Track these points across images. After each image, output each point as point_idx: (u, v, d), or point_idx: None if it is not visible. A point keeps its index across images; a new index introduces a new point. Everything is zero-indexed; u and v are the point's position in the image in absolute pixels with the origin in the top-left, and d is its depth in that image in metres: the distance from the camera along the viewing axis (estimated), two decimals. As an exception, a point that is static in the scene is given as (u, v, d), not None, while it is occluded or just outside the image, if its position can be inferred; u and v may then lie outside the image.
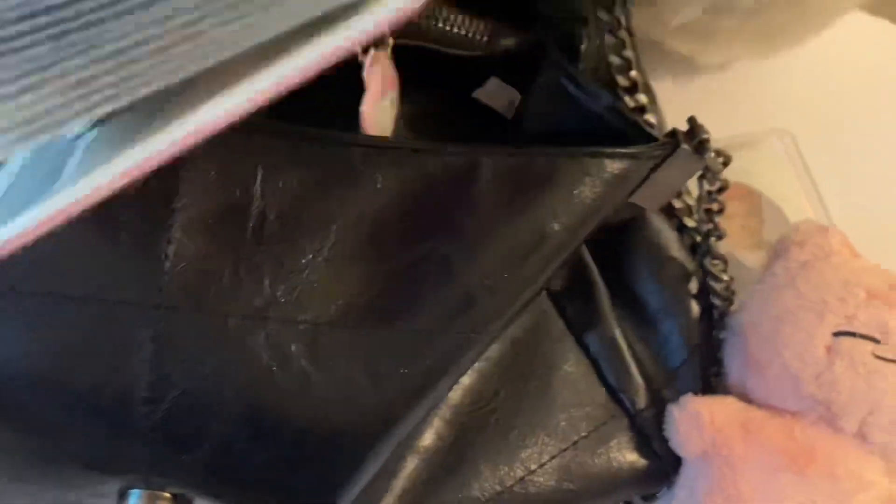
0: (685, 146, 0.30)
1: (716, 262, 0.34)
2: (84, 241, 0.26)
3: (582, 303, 0.35)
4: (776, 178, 0.44)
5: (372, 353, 0.27)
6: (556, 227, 0.28)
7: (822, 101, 0.47)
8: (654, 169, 0.29)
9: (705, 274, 0.35)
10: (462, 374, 0.31)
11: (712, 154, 0.30)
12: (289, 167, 0.27)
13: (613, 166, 0.28)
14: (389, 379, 0.27)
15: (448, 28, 0.31)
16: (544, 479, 0.33)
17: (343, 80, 0.34)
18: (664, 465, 0.34)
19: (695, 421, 0.32)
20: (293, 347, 0.27)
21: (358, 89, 0.33)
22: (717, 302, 0.35)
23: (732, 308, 0.35)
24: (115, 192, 0.25)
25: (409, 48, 0.31)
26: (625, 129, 0.29)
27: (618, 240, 0.35)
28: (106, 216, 0.26)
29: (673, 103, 0.38)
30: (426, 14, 0.31)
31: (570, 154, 0.28)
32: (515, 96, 0.35)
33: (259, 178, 0.27)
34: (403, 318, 0.27)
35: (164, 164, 0.27)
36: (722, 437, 0.32)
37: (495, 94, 0.35)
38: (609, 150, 0.28)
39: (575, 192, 0.28)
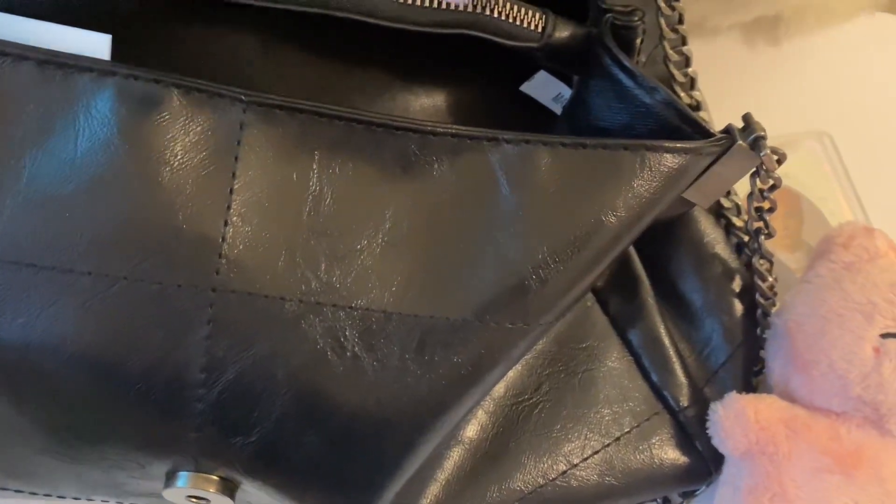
0: (741, 142, 0.29)
1: (763, 261, 0.34)
2: (140, 223, 0.26)
3: (626, 298, 0.35)
4: (814, 180, 0.44)
5: (425, 341, 0.27)
6: (612, 219, 0.28)
7: (861, 102, 0.46)
8: (710, 165, 0.29)
9: (752, 273, 0.35)
10: (512, 366, 0.31)
11: (768, 151, 0.30)
12: (345, 152, 0.27)
13: (672, 160, 0.28)
14: (441, 367, 0.27)
15: (502, 18, 0.31)
16: (586, 474, 0.32)
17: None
18: (706, 462, 0.34)
19: (739, 419, 0.32)
20: (347, 333, 0.27)
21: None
22: (761, 301, 0.35)
23: (774, 308, 0.35)
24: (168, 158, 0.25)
25: (459, 37, 0.31)
26: (679, 124, 0.29)
27: (662, 236, 0.35)
28: (162, 197, 0.26)
29: (711, 105, 0.38)
30: (480, 3, 0.31)
31: (628, 146, 0.28)
32: (563, 90, 0.35)
33: (316, 161, 0.27)
34: (457, 305, 0.27)
35: (222, 145, 0.27)
36: (766, 436, 0.32)
37: (543, 87, 0.35)
38: (669, 144, 0.28)
39: (632, 184, 0.28)
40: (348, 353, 0.27)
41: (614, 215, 0.28)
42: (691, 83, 0.35)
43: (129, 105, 0.26)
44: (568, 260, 0.27)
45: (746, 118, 0.30)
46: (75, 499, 0.32)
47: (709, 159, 0.29)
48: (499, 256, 0.27)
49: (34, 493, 0.31)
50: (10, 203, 0.25)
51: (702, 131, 0.29)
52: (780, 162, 0.31)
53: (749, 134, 0.30)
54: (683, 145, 0.28)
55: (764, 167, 0.31)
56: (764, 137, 0.30)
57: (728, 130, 0.30)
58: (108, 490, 0.30)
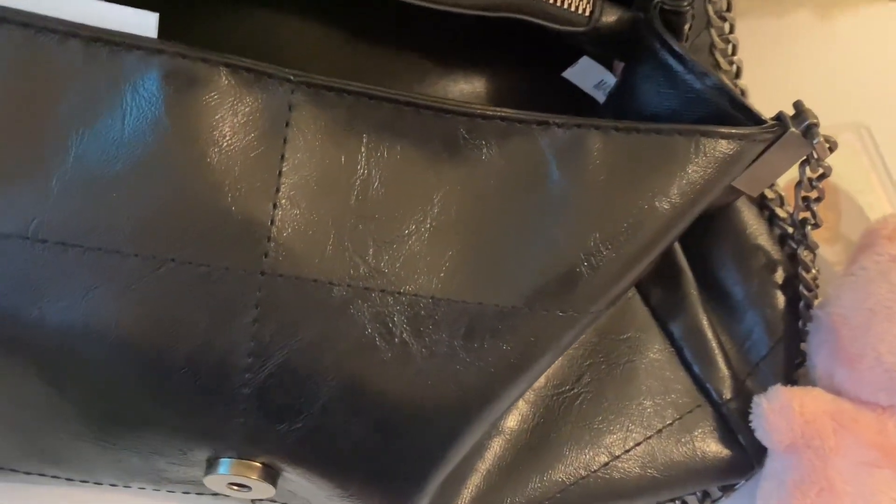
0: (794, 130, 0.29)
1: (807, 252, 0.34)
2: (188, 204, 0.25)
3: (667, 289, 0.34)
4: (852, 172, 0.43)
5: (473, 328, 0.26)
6: (666, 206, 0.27)
7: (898, 95, 0.46)
8: (762, 152, 0.29)
9: (795, 264, 0.34)
10: (560, 355, 0.30)
11: (821, 139, 0.29)
12: (393, 135, 0.27)
13: (727, 146, 0.27)
14: (489, 355, 0.27)
15: (550, 1, 0.31)
16: (628, 466, 0.32)
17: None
18: (748, 456, 0.33)
19: (784, 412, 0.31)
20: (395, 319, 0.26)
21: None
22: (804, 293, 0.34)
23: (817, 301, 0.35)
24: (216, 138, 0.25)
25: (501, 22, 0.31)
26: (731, 111, 0.28)
27: (704, 227, 0.34)
28: (210, 178, 0.25)
29: (750, 94, 0.38)
30: (526, -14, 0.30)
31: (682, 131, 0.27)
32: (607, 77, 0.34)
33: (364, 144, 0.27)
34: (506, 292, 0.27)
35: (270, 126, 0.26)
36: (812, 429, 0.31)
37: (586, 73, 0.34)
38: (724, 130, 0.27)
39: (686, 171, 0.27)
40: (396, 340, 0.26)
41: (668, 202, 0.27)
42: (737, 72, 0.34)
43: (176, 84, 0.25)
44: (620, 247, 0.27)
45: (798, 105, 0.30)
46: (112, 485, 0.31)
47: (761, 146, 0.28)
48: (549, 243, 0.27)
49: (70, 480, 0.31)
50: (57, 183, 0.25)
51: (754, 118, 0.29)
52: (831, 150, 0.30)
53: (801, 122, 0.29)
54: (738, 131, 0.27)
55: (815, 156, 0.30)
56: (816, 125, 0.29)
57: (780, 118, 0.29)
58: (147, 476, 0.30)
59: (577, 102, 0.35)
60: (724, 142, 0.27)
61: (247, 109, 0.26)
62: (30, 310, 0.25)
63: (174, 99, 0.25)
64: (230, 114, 0.26)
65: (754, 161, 0.29)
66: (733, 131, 0.27)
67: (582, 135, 0.27)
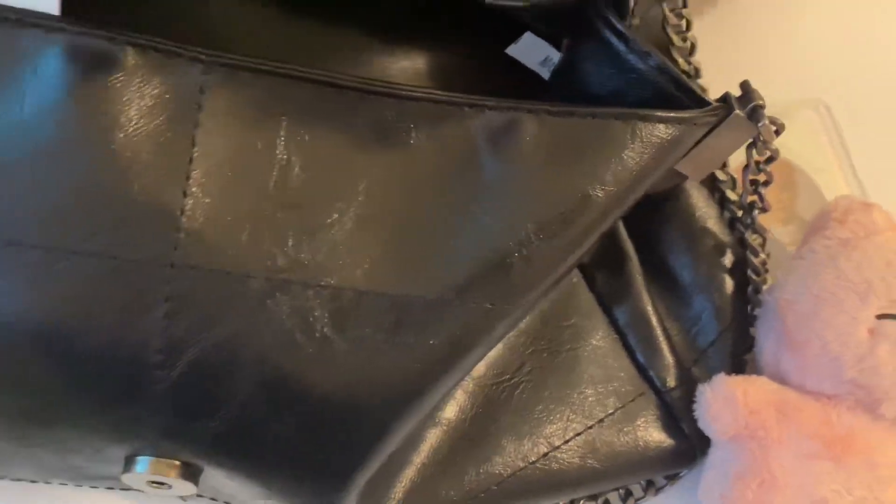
0: (739, 112, 0.28)
1: (756, 236, 0.33)
2: (92, 192, 0.24)
3: (613, 274, 0.33)
4: (810, 151, 0.42)
5: (399, 321, 0.25)
6: (601, 193, 0.26)
7: (858, 70, 0.45)
8: (704, 135, 0.28)
9: (744, 248, 0.33)
10: (492, 348, 0.29)
11: (766, 121, 0.28)
12: (315, 118, 0.25)
13: (665, 131, 0.26)
14: (416, 349, 0.26)
15: (488, -26, 0.29)
16: (568, 456, 0.31)
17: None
18: (692, 445, 0.32)
19: (728, 401, 0.31)
20: (316, 312, 0.25)
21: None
22: (753, 277, 0.33)
23: (766, 285, 0.34)
24: (122, 123, 0.23)
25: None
26: (674, 92, 0.27)
27: (652, 210, 0.33)
28: (116, 165, 0.24)
29: (704, 72, 0.37)
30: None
31: (619, 115, 0.26)
32: (552, 54, 0.33)
33: (283, 128, 0.25)
34: (435, 284, 0.25)
35: (180, 109, 0.25)
36: (756, 420, 0.30)
37: (530, 50, 0.33)
38: (662, 114, 0.26)
39: (623, 156, 0.26)
40: (317, 335, 0.25)
41: (603, 189, 0.26)
42: (691, 49, 0.33)
43: (79, 65, 0.24)
44: (553, 236, 0.26)
45: (744, 86, 0.29)
46: (32, 481, 0.30)
47: (704, 129, 0.27)
48: (480, 232, 0.26)
49: (-12, 476, 0.30)
50: None
51: (697, 100, 0.27)
52: (778, 133, 0.29)
53: (747, 103, 0.28)
54: (677, 115, 0.26)
55: (761, 138, 0.29)
56: (762, 107, 0.28)
57: (724, 99, 0.28)
58: (65, 474, 0.29)
59: (522, 81, 0.33)
60: (661, 126, 0.26)
61: (155, 92, 0.24)
62: None
63: (77, 81, 0.24)
64: (137, 96, 0.24)
65: (697, 144, 0.28)
66: (672, 115, 0.26)
67: (515, 119, 0.26)
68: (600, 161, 0.26)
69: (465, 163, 0.26)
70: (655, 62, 0.28)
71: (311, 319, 0.25)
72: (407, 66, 0.34)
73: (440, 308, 0.26)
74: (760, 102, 0.28)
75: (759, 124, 0.28)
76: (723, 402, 0.31)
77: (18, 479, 0.30)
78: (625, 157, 0.26)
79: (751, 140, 0.29)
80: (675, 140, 0.26)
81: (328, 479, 0.27)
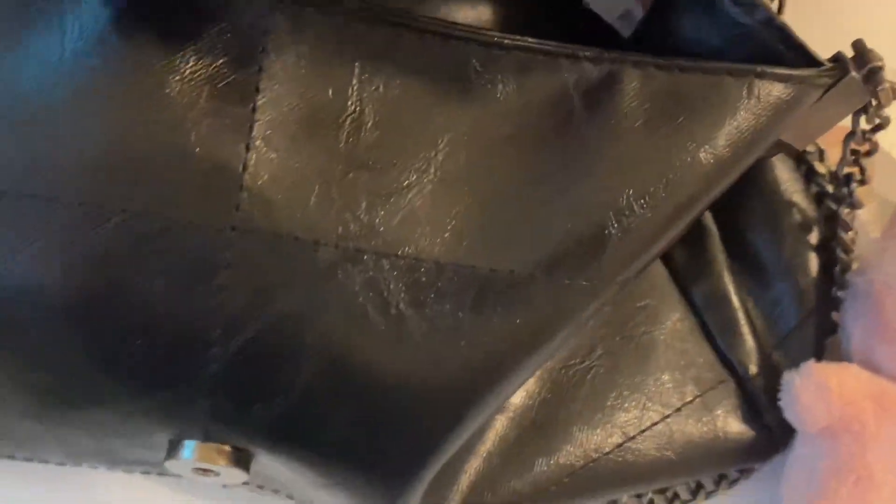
0: (854, 74, 0.25)
1: (849, 211, 0.30)
2: (142, 143, 0.21)
3: (692, 252, 0.30)
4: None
5: (483, 298, 0.23)
6: (710, 158, 0.23)
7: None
8: (818, 98, 0.25)
9: (833, 224, 0.31)
10: (580, 329, 0.26)
11: (887, 85, 0.25)
12: (391, 65, 0.22)
13: (782, 91, 0.23)
14: (501, 329, 0.23)
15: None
16: (644, 448, 0.29)
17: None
18: (773, 437, 0.30)
19: (820, 391, 0.28)
20: (391, 286, 0.22)
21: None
22: (842, 256, 0.31)
23: (854, 266, 0.32)
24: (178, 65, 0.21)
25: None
26: (783, 51, 0.24)
27: (733, 183, 0.31)
28: (170, 113, 0.21)
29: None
30: None
31: (734, 71, 0.23)
32: (633, 7, 0.30)
33: (355, 76, 0.22)
34: (523, 257, 0.23)
35: (243, 51, 0.22)
36: (851, 411, 0.28)
37: (610, 0, 0.30)
38: (781, 71, 0.23)
39: (736, 117, 0.23)
40: (392, 311, 0.22)
41: (713, 153, 0.23)
42: (779, 6, 0.30)
43: None
44: (656, 206, 0.23)
45: (858, 46, 0.26)
46: (60, 464, 0.27)
47: (819, 92, 0.25)
48: (574, 200, 0.23)
49: (11, 457, 0.27)
50: None
51: (810, 60, 0.24)
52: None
53: (862, 65, 0.25)
54: (798, 73, 0.23)
55: (875, 104, 0.26)
56: (881, 69, 0.25)
57: (838, 59, 0.25)
58: (100, 457, 0.26)
59: (599, 38, 0.30)
60: (780, 85, 0.23)
61: (215, 31, 0.21)
62: None
63: (126, 14, 0.21)
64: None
65: (811, 107, 0.25)
66: (792, 73, 0.23)
67: (616, 72, 0.23)
68: (711, 122, 0.23)
69: (557, 121, 0.23)
70: (763, 16, 0.25)
71: (385, 294, 0.22)
72: (470, 16, 0.31)
73: (527, 285, 0.23)
74: (879, 64, 0.25)
75: (879, 88, 0.25)
76: (815, 391, 0.28)
77: (45, 462, 0.27)
78: (739, 119, 0.23)
79: (862, 106, 0.27)
80: (793, 101, 0.24)
81: (395, 471, 0.24)
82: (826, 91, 0.25)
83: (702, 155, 0.23)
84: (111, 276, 0.21)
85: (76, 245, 0.21)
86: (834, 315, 0.31)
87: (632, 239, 0.23)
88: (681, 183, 0.23)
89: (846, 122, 0.28)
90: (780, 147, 0.27)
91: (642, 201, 0.23)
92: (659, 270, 0.30)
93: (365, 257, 0.22)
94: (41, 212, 0.21)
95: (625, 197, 0.23)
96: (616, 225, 0.23)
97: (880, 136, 0.40)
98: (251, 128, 0.21)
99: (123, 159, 0.21)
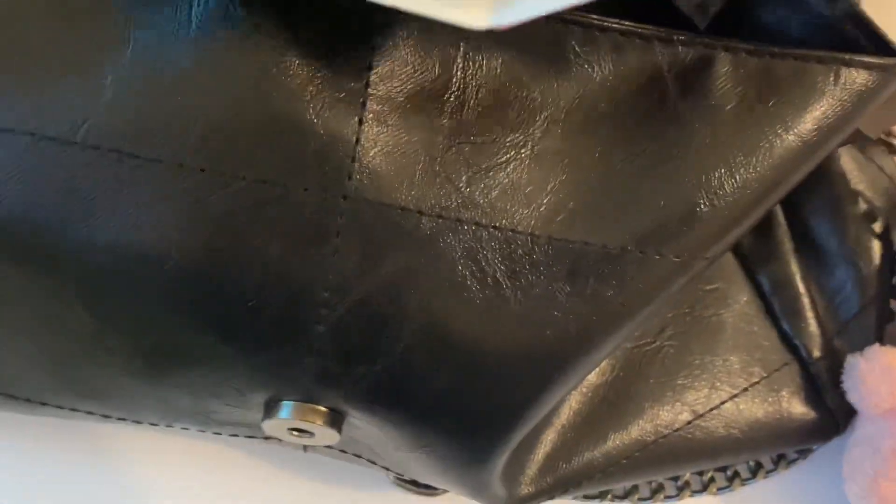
0: (935, 63, 0.26)
1: (915, 201, 0.31)
2: (265, 112, 0.22)
3: (760, 237, 0.31)
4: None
5: (576, 270, 0.24)
6: (798, 142, 0.24)
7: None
8: None
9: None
10: (668, 304, 0.27)
11: (965, 72, 0.26)
12: (494, 45, 0.23)
13: (866, 78, 0.24)
14: (593, 301, 0.24)
15: None
16: (712, 425, 0.30)
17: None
18: (835, 419, 0.31)
19: (886, 373, 0.29)
20: (489, 256, 0.23)
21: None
22: (906, 246, 0.31)
23: (918, 255, 0.32)
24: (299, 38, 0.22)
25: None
26: (863, 42, 0.25)
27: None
28: (289, 84, 0.22)
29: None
30: None
31: (821, 58, 0.24)
32: (710, -2, 0.31)
33: (461, 55, 0.23)
34: (615, 231, 0.24)
35: (357, 30, 0.23)
36: (915, 395, 0.29)
37: (685, -8, 0.31)
38: (867, 59, 0.24)
39: (822, 103, 0.24)
40: (489, 280, 0.23)
41: (799, 137, 0.24)
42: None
43: None
44: (745, 186, 0.24)
45: (936, 38, 0.27)
46: (153, 424, 0.28)
47: (899, 80, 0.25)
48: (666, 177, 0.24)
49: (107, 417, 0.28)
50: (113, 81, 0.21)
51: (890, 49, 0.25)
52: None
53: (943, 55, 0.26)
54: (883, 61, 0.24)
55: (951, 95, 0.27)
56: (959, 59, 0.26)
57: (919, 49, 0.26)
58: (194, 418, 0.27)
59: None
60: (864, 73, 0.24)
61: (331, 7, 0.22)
62: (77, 226, 0.22)
63: None
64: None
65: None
66: (876, 61, 0.24)
67: (709, 55, 0.24)
68: (800, 107, 0.24)
69: (651, 100, 0.24)
70: (845, 6, 0.25)
71: (483, 263, 0.23)
72: None
73: (620, 259, 0.24)
74: (956, 54, 0.26)
75: (956, 76, 0.26)
76: (880, 373, 0.29)
77: (138, 422, 0.28)
78: (825, 104, 0.24)
79: (936, 97, 0.27)
80: (877, 89, 0.24)
81: (486, 434, 0.25)
82: (905, 80, 0.26)
83: (790, 138, 0.24)
84: (230, 238, 0.22)
85: (198, 208, 0.22)
86: (893, 303, 0.32)
87: (721, 216, 0.24)
88: (769, 165, 0.24)
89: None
90: (856, 135, 0.28)
91: (733, 181, 0.24)
92: (728, 255, 0.31)
93: (465, 227, 0.23)
94: (166, 176, 0.22)
95: (716, 176, 0.24)
96: (707, 203, 0.24)
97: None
98: (364, 103, 0.22)
99: (244, 128, 0.22)
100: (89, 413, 0.28)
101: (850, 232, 0.32)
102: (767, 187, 0.24)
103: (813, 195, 0.32)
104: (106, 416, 0.28)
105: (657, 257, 0.24)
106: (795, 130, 0.24)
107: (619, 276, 0.24)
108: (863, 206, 0.32)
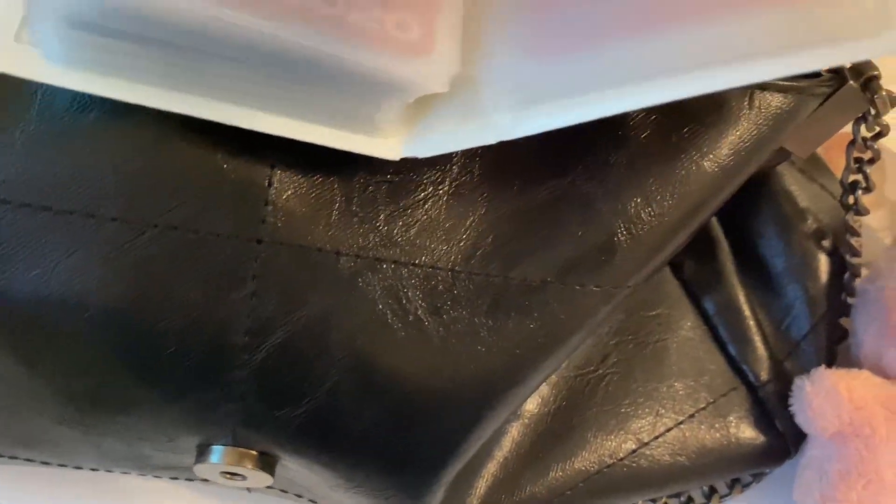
0: (853, 83, 0.26)
1: (857, 218, 0.31)
2: (176, 160, 0.22)
3: (702, 261, 0.31)
4: None
5: (498, 304, 0.24)
6: (714, 167, 0.24)
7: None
8: (817, 107, 0.26)
9: (842, 231, 0.31)
10: (593, 334, 0.27)
11: (884, 94, 0.26)
12: None
13: (783, 100, 0.24)
14: (516, 334, 0.24)
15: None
16: (658, 454, 0.29)
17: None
18: (785, 442, 0.31)
19: (830, 396, 0.29)
20: (409, 293, 0.23)
21: None
22: (851, 262, 0.31)
23: (864, 272, 0.32)
24: None
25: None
26: None
27: (742, 192, 0.31)
28: (200, 136, 0.22)
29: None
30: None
31: (735, 84, 0.24)
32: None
33: None
34: (537, 264, 0.24)
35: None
36: (861, 416, 0.28)
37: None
38: (780, 82, 0.24)
39: (738, 128, 0.24)
40: (411, 317, 0.23)
41: (717, 162, 0.24)
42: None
43: None
44: (662, 214, 0.24)
45: (858, 57, 0.27)
46: (93, 469, 0.28)
47: (818, 101, 0.25)
48: (585, 208, 0.24)
49: (46, 463, 0.28)
50: (21, 135, 0.22)
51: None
52: (893, 105, 0.27)
53: (859, 74, 0.26)
54: (796, 84, 0.24)
55: (874, 111, 0.27)
56: (878, 77, 0.26)
57: (837, 70, 0.26)
58: (131, 462, 0.27)
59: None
60: (779, 95, 0.24)
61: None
62: None
63: None
64: None
65: (810, 116, 0.26)
66: (790, 84, 0.24)
67: None
68: (715, 133, 0.24)
69: (567, 132, 0.24)
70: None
71: (404, 301, 0.23)
72: None
73: (541, 291, 0.24)
74: (875, 73, 0.26)
75: (875, 96, 0.26)
76: (825, 396, 0.29)
77: (79, 468, 0.28)
78: (741, 129, 0.24)
79: (861, 114, 0.28)
80: (793, 111, 0.25)
81: (417, 471, 0.25)
82: (824, 101, 0.26)
83: (706, 164, 0.24)
84: (147, 285, 0.22)
85: (114, 257, 0.22)
86: (844, 321, 0.32)
87: (640, 245, 0.24)
88: (686, 191, 0.24)
89: (848, 130, 0.29)
90: (784, 155, 0.28)
91: (650, 209, 0.24)
92: (670, 281, 0.31)
93: (384, 266, 0.23)
94: (81, 226, 0.22)
95: (633, 205, 0.24)
96: (625, 232, 0.24)
97: (891, 143, 0.41)
98: (276, 146, 0.22)
99: (155, 177, 0.22)
100: (28, 460, 0.28)
101: (798, 250, 0.32)
102: (686, 214, 0.24)
103: (760, 216, 0.32)
104: (45, 463, 0.28)
105: (578, 288, 0.24)
106: (712, 156, 0.24)
107: (541, 308, 0.24)
108: (811, 224, 0.32)
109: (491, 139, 0.21)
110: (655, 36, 0.20)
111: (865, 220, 0.36)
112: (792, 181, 0.32)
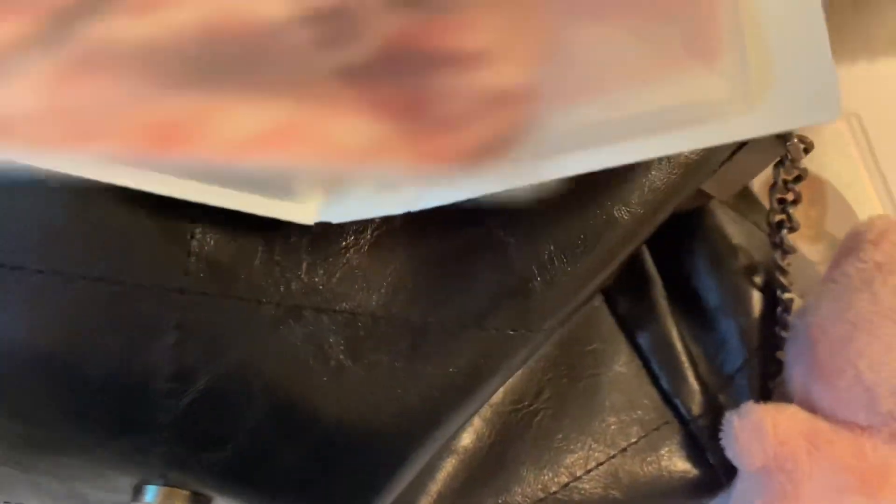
0: (767, 131, 0.27)
1: (785, 256, 0.32)
2: (95, 214, 0.23)
3: (635, 298, 0.32)
4: (840, 164, 0.41)
5: (416, 348, 0.24)
6: (626, 215, 0.25)
7: (891, 80, 0.43)
8: (731, 155, 0.27)
9: (772, 269, 0.32)
10: (512, 375, 0.28)
11: (795, 140, 0.27)
12: None
13: (690, 152, 0.25)
14: (435, 376, 0.25)
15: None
16: (590, 487, 0.30)
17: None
18: (717, 475, 0.31)
19: (756, 431, 0.29)
20: (331, 339, 0.24)
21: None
22: (782, 297, 0.32)
23: (795, 306, 0.33)
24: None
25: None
26: None
27: (675, 229, 0.32)
28: (121, 189, 0.23)
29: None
30: None
31: (645, 135, 0.25)
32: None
33: None
34: (453, 309, 0.24)
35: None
36: (785, 451, 0.29)
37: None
38: (689, 133, 0.25)
39: (649, 176, 0.25)
40: (332, 362, 0.24)
41: (628, 211, 0.25)
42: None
43: None
44: (576, 260, 0.25)
45: (773, 104, 0.28)
46: (37, 506, 0.29)
47: (731, 148, 0.26)
48: (500, 255, 0.25)
49: (-7, 501, 0.29)
50: None
51: None
52: (807, 151, 0.28)
53: (775, 122, 0.27)
54: None
55: (790, 157, 0.28)
56: (792, 126, 0.27)
57: (754, 118, 0.27)
58: (70, 501, 0.28)
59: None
60: None
61: None
62: None
63: None
64: None
65: (724, 163, 0.27)
66: None
67: None
68: (625, 182, 0.25)
69: None
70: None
71: (325, 346, 0.24)
72: None
73: (459, 334, 0.25)
74: (790, 121, 0.27)
75: (788, 143, 0.27)
76: (751, 431, 0.29)
77: (22, 505, 0.29)
78: (651, 178, 0.25)
79: (779, 158, 0.28)
80: (702, 161, 0.25)
81: (342, 511, 0.26)
82: (742, 145, 0.27)
83: (617, 213, 0.25)
84: (72, 334, 0.23)
85: (41, 308, 0.23)
86: (779, 355, 0.33)
87: (555, 290, 0.25)
88: (598, 239, 0.25)
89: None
90: (705, 197, 0.29)
91: (563, 256, 0.25)
92: (604, 317, 0.32)
93: (305, 314, 0.24)
94: (6, 278, 0.23)
95: (547, 252, 0.25)
96: (539, 278, 0.25)
97: (832, 176, 0.41)
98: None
99: (78, 230, 0.23)
100: (-27, 498, 0.29)
101: (731, 286, 0.33)
102: (600, 259, 0.25)
103: (693, 252, 0.33)
104: (-8, 501, 0.29)
105: (495, 332, 0.25)
106: (623, 205, 0.25)
107: (459, 351, 0.25)
108: (743, 260, 0.33)
109: (399, 209, 0.22)
110: None
111: (806, 253, 0.37)
112: (725, 219, 0.33)
